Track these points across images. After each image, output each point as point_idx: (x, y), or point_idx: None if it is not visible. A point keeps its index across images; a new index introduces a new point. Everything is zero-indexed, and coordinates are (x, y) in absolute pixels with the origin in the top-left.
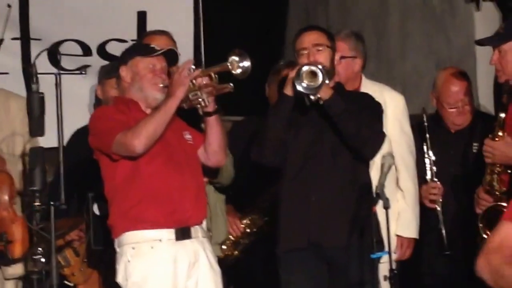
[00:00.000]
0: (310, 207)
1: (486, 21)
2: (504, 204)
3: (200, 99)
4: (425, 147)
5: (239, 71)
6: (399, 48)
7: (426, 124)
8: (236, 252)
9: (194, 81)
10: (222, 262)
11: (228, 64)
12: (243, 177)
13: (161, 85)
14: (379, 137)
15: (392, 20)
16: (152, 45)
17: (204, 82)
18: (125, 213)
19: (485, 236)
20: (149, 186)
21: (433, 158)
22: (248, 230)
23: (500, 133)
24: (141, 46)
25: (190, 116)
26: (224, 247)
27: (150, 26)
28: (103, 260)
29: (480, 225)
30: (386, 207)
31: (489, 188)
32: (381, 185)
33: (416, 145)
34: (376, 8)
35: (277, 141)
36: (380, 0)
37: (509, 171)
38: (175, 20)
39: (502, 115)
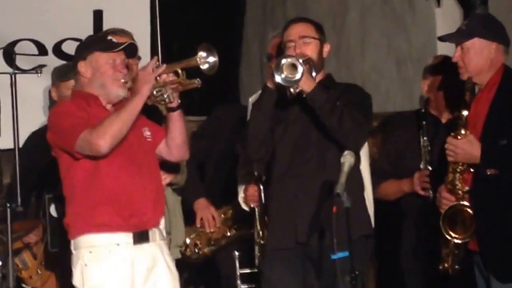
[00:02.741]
0: (297, 205)
1: (446, 18)
2: (467, 203)
3: (164, 95)
4: (420, 135)
5: (206, 66)
6: (359, 46)
7: (423, 110)
8: (206, 250)
9: (158, 77)
10: (192, 261)
11: (196, 59)
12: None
13: (123, 81)
14: (363, 130)
15: (351, 17)
16: (109, 38)
17: (170, 79)
18: (83, 215)
19: (447, 236)
20: (108, 188)
21: (428, 146)
22: (227, 233)
23: (463, 131)
24: (99, 41)
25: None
26: (188, 240)
27: (106, 25)
28: (61, 263)
29: (442, 224)
30: (347, 207)
31: (452, 187)
32: (341, 184)
33: (412, 132)
34: (335, 6)
35: (260, 135)
36: None
37: (472, 170)
38: (132, 19)
39: (465, 113)
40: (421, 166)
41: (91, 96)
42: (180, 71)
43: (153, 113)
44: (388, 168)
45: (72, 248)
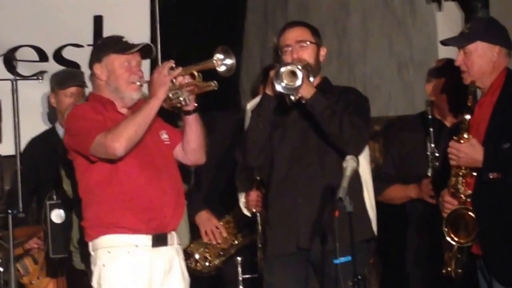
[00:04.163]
0: (298, 210)
1: (448, 21)
2: (469, 207)
3: (181, 98)
4: (427, 142)
5: (223, 68)
6: (360, 49)
7: (430, 117)
8: (216, 262)
9: (174, 80)
10: (205, 274)
11: (213, 61)
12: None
13: (138, 83)
14: (363, 135)
15: (353, 21)
16: (124, 40)
17: (186, 81)
18: (102, 218)
19: (450, 240)
20: (127, 191)
21: (435, 152)
22: (234, 242)
23: (466, 135)
24: (115, 43)
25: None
26: (197, 256)
27: (107, 31)
28: (63, 268)
29: (445, 229)
30: (349, 211)
31: (454, 191)
32: (344, 188)
33: (417, 137)
34: (336, 9)
35: (260, 142)
36: (340, 1)
37: (474, 174)
38: (132, 24)
39: (468, 117)
40: (429, 173)
41: (108, 101)
42: (196, 74)
43: (169, 116)
44: (393, 173)
45: (90, 249)
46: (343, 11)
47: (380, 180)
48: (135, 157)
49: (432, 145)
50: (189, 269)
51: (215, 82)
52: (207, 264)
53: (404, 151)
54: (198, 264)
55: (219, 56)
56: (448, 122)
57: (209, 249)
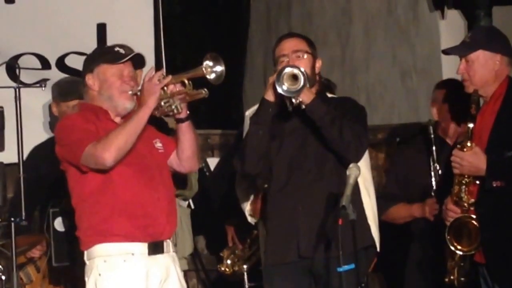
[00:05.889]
0: (298, 219)
1: (451, 29)
2: (472, 215)
3: (172, 106)
4: (431, 161)
5: (213, 76)
6: (363, 58)
7: (432, 136)
8: (245, 266)
9: (165, 88)
10: (235, 278)
11: (202, 69)
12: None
13: (130, 93)
14: (362, 141)
15: (356, 29)
16: (116, 49)
17: (177, 89)
18: (96, 226)
19: (453, 248)
20: (122, 199)
21: (438, 171)
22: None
23: (469, 144)
24: (106, 52)
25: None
26: (229, 261)
27: (110, 39)
28: (65, 277)
29: (448, 237)
30: (352, 219)
31: (457, 199)
32: (347, 196)
33: (422, 158)
34: (339, 18)
35: (259, 149)
36: (343, 9)
37: (477, 182)
38: (136, 32)
39: (471, 125)
40: (433, 193)
41: (100, 109)
42: (186, 81)
43: (161, 126)
44: (397, 192)
45: (85, 258)
46: (346, 19)
47: (384, 199)
48: (128, 165)
49: (436, 165)
50: (218, 273)
51: (205, 90)
52: (236, 269)
53: (407, 170)
54: (227, 269)
55: (208, 63)
56: (450, 140)
57: (238, 255)
